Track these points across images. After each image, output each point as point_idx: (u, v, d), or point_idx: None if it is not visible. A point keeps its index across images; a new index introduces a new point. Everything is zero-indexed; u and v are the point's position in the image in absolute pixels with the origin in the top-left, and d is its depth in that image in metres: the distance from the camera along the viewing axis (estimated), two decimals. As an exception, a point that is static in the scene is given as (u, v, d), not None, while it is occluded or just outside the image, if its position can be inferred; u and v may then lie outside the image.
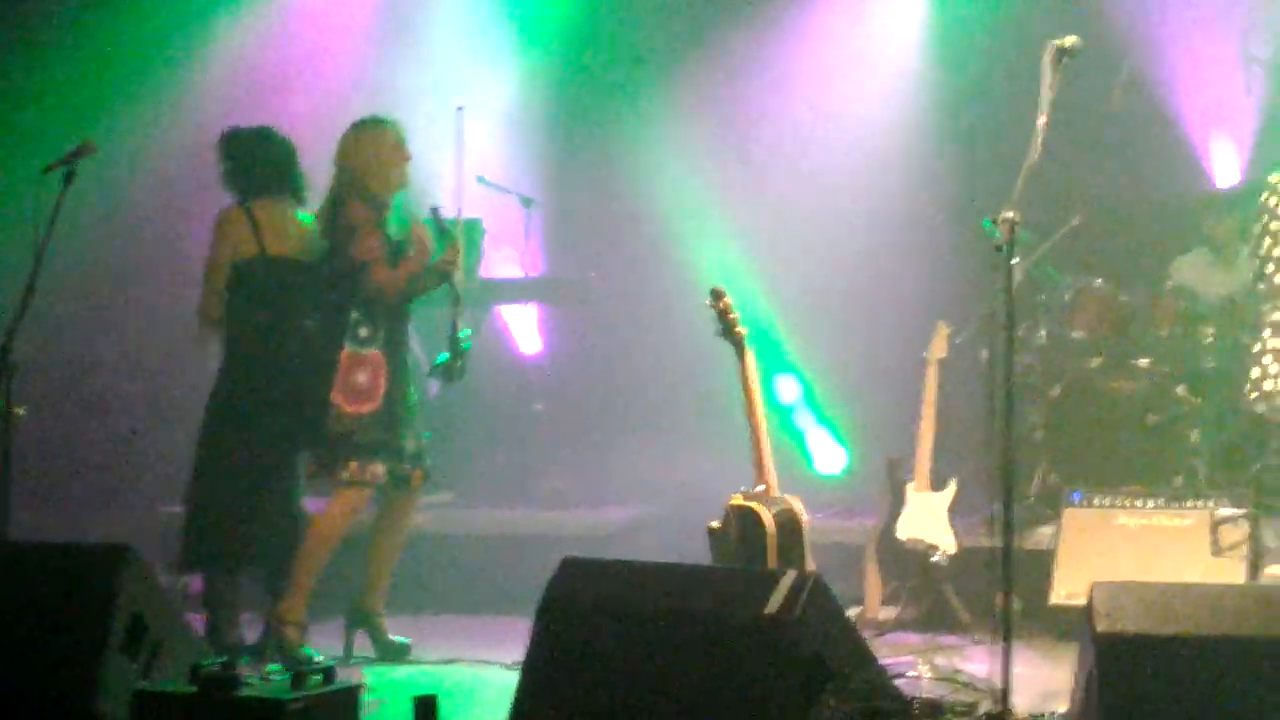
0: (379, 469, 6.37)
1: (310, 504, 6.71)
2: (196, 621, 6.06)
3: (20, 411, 5.78)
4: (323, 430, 6.37)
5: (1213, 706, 4.24)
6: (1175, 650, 4.32)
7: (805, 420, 8.71)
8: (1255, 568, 6.73)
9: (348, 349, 6.38)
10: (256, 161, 6.58)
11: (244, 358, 6.53)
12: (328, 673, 4.75)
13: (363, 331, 6.40)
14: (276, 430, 6.50)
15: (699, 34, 9.53)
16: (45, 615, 4.88)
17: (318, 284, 6.52)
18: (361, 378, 6.36)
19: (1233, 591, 5.17)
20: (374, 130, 6.51)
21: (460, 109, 6.90)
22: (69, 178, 5.91)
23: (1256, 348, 6.79)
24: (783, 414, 8.67)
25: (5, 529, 5.64)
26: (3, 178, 8.40)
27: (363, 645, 6.64)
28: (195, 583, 7.53)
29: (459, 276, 6.61)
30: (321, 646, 6.51)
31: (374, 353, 6.40)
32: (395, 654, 6.61)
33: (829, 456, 8.61)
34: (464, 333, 6.65)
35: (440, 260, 6.59)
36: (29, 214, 5.79)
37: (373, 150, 6.47)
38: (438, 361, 6.67)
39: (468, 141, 7.58)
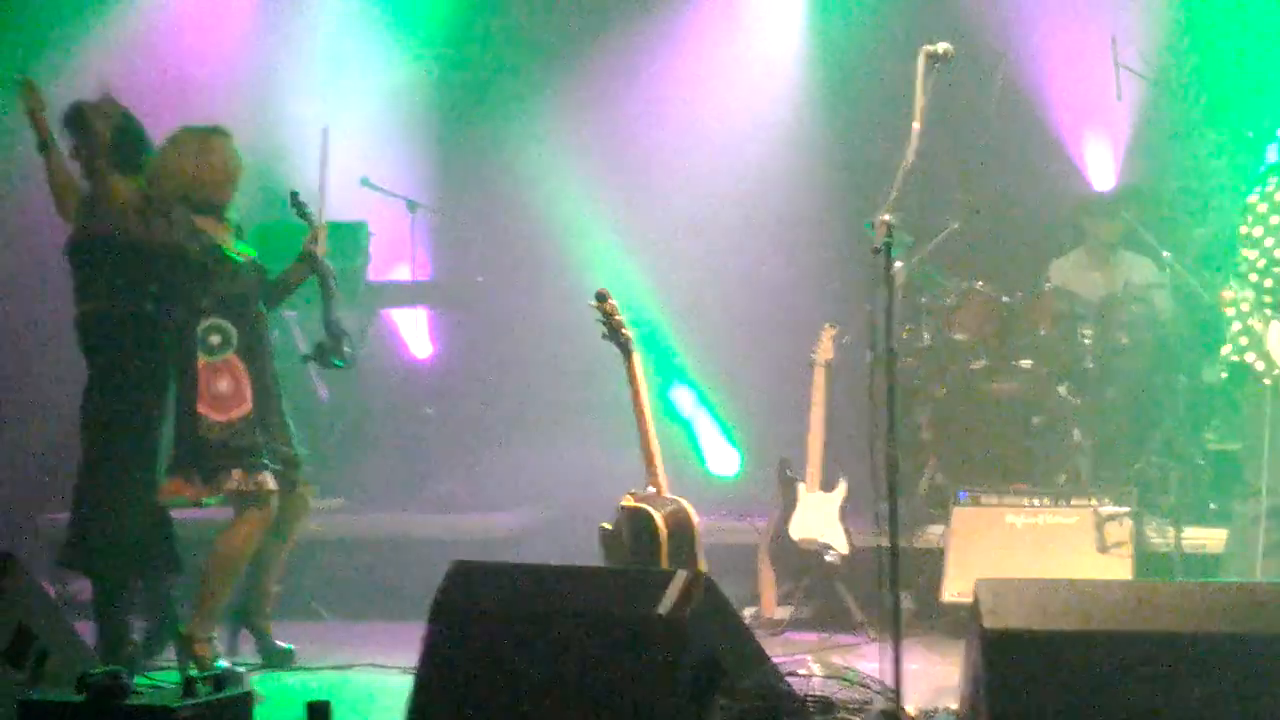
0: (265, 477, 6.27)
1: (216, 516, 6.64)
2: (84, 630, 5.96)
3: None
4: (194, 442, 6.25)
5: (1095, 700, 4.32)
6: (1058, 645, 4.40)
7: (698, 422, 8.75)
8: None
9: (203, 359, 6.27)
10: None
11: (114, 350, 6.44)
12: (219, 680, 4.71)
13: (213, 339, 6.28)
14: (141, 427, 6.41)
15: (582, 35, 9.52)
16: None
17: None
18: (222, 385, 6.25)
19: (1113, 587, 5.27)
20: (177, 135, 6.45)
21: (326, 129, 6.84)
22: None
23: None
24: (675, 416, 8.71)
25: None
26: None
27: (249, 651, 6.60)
28: (82, 591, 7.44)
29: (324, 260, 6.56)
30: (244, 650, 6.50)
31: (229, 358, 6.28)
32: (279, 660, 6.56)
33: (722, 458, 8.67)
34: (336, 316, 6.60)
35: (303, 245, 6.57)
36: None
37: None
38: (308, 353, 6.60)
39: (350, 146, 7.54)
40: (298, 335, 8.35)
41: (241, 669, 6.06)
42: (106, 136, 6.40)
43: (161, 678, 5.42)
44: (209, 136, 6.40)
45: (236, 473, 6.23)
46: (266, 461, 6.29)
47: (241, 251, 6.44)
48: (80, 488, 6.41)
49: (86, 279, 6.40)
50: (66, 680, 4.76)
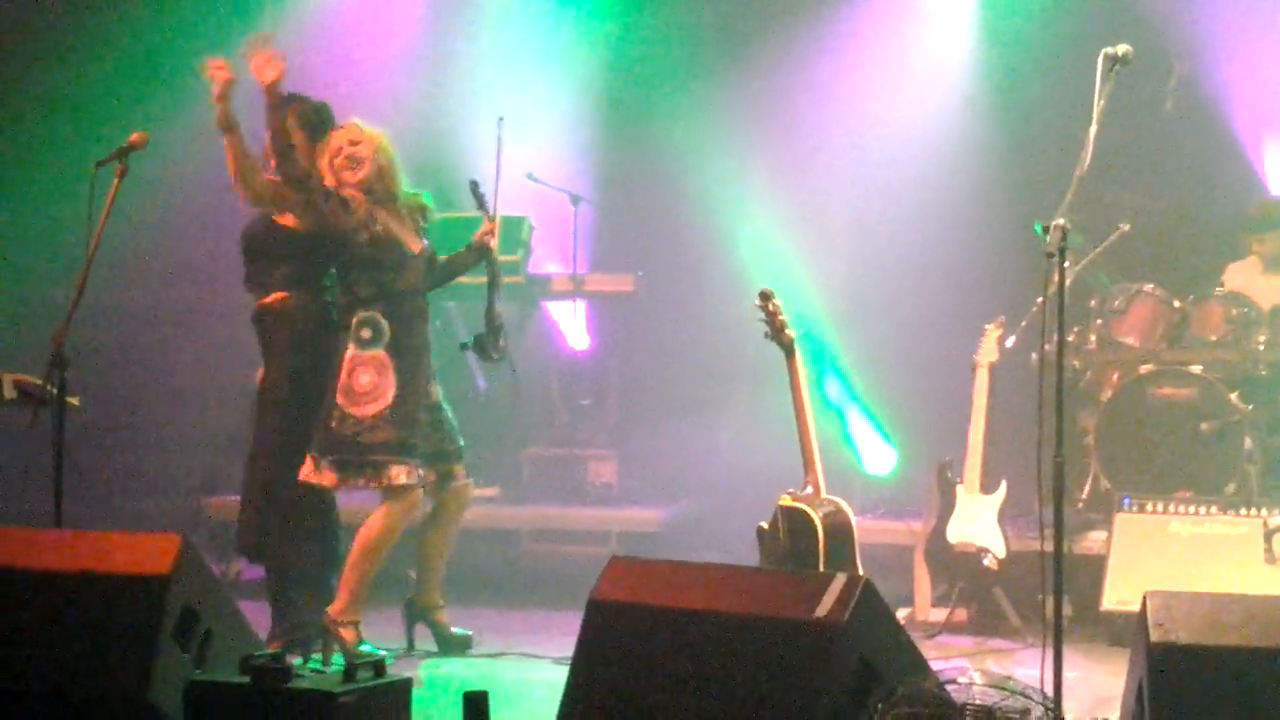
0: (396, 472, 6.28)
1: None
2: (249, 610, 6.07)
3: (74, 402, 5.81)
4: (325, 431, 6.32)
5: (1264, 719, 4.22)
6: (1227, 661, 4.30)
7: (854, 421, 8.67)
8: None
9: (352, 350, 6.32)
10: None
11: (288, 341, 6.54)
12: (378, 666, 4.78)
13: (365, 333, 6.33)
14: (306, 421, 6.50)
15: (749, 34, 9.50)
16: (99, 605, 4.91)
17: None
18: (364, 379, 6.28)
19: (1287, 602, 5.12)
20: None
21: (500, 119, 6.88)
22: (122, 171, 5.94)
23: None
24: (832, 414, 8.64)
25: (59, 518, 5.68)
26: (57, 172, 8.49)
27: (425, 637, 6.68)
28: (245, 571, 7.60)
29: (495, 253, 6.63)
30: (386, 637, 6.56)
31: (378, 353, 6.31)
32: (456, 646, 6.64)
33: (878, 457, 8.58)
34: (499, 309, 6.65)
35: (477, 235, 6.64)
36: (83, 207, 5.83)
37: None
38: (467, 341, 6.65)
39: (517, 139, 7.57)
40: (459, 325, 8.44)
41: (381, 652, 6.09)
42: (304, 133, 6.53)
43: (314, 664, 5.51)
44: (359, 129, 6.46)
45: (367, 470, 6.29)
46: (397, 458, 6.30)
47: (420, 239, 6.52)
48: (254, 475, 6.52)
49: (264, 270, 6.50)
50: (231, 662, 4.85)
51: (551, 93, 9.46)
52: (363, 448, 6.26)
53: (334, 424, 6.28)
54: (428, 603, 6.67)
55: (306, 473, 6.30)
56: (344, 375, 6.30)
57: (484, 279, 6.79)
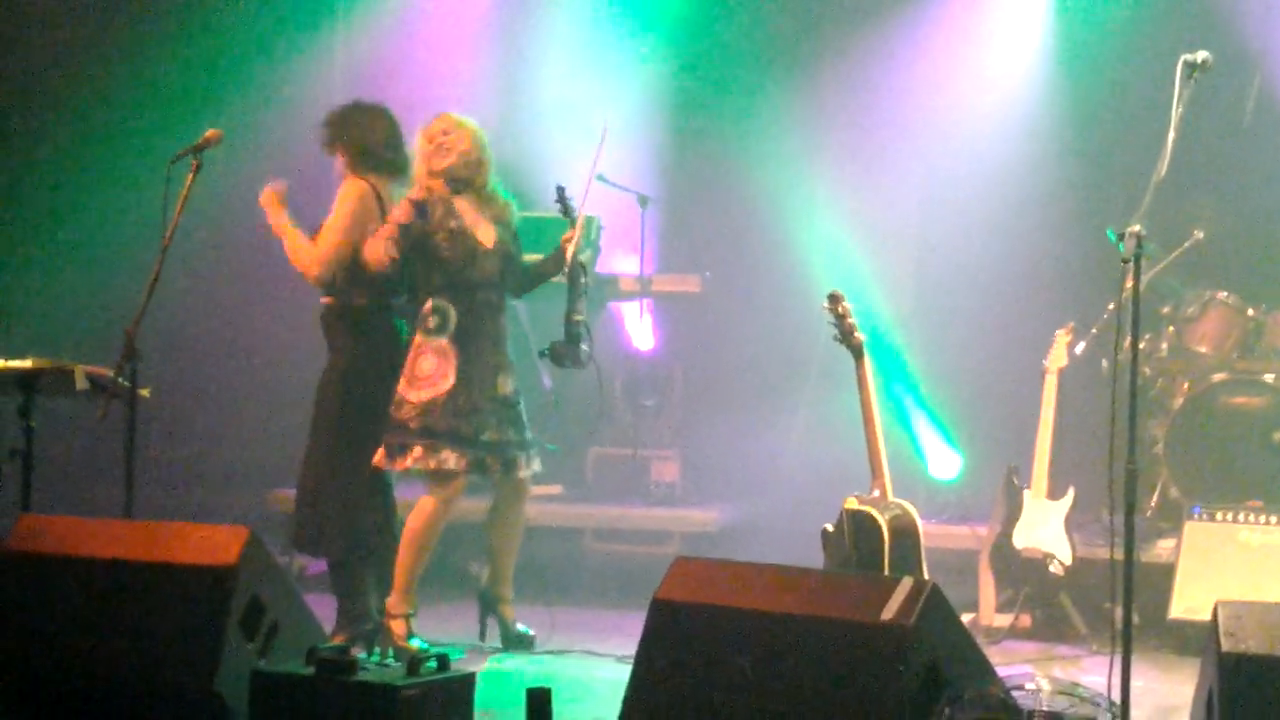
0: (447, 456, 6.33)
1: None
2: (314, 603, 6.10)
3: (145, 394, 5.86)
4: (389, 417, 6.39)
5: (1338, 731, 4.17)
6: (1299, 672, 4.26)
7: (920, 425, 8.63)
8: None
9: (419, 337, 6.42)
10: (379, 138, 6.63)
11: (349, 341, 6.58)
12: (442, 660, 4.80)
13: (431, 321, 6.41)
14: (371, 415, 6.51)
15: (821, 36, 9.46)
16: (167, 595, 4.96)
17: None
18: (426, 365, 6.36)
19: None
20: (427, 123, 6.61)
21: (605, 128, 6.88)
22: (196, 167, 5.99)
23: None
24: (898, 417, 8.60)
25: (129, 509, 5.73)
26: (132, 165, 8.57)
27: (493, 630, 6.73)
28: (311, 565, 7.64)
29: (576, 258, 6.62)
30: (453, 631, 6.65)
31: (442, 341, 6.39)
32: (519, 644, 6.67)
33: (944, 462, 8.53)
34: (579, 316, 6.65)
35: (561, 241, 6.64)
36: (157, 201, 5.88)
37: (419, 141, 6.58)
38: (544, 350, 6.67)
39: (587, 139, 7.58)
40: (528, 325, 8.45)
41: (460, 651, 6.12)
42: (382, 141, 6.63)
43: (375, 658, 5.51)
44: (454, 119, 6.57)
45: (417, 450, 6.32)
46: (452, 443, 6.34)
47: (497, 235, 6.54)
48: (312, 472, 6.57)
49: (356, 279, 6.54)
50: (296, 653, 4.88)
51: (621, 94, 9.45)
52: (414, 431, 6.32)
53: (392, 408, 6.37)
54: (497, 594, 6.70)
55: (378, 458, 6.41)
56: (408, 361, 6.40)
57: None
